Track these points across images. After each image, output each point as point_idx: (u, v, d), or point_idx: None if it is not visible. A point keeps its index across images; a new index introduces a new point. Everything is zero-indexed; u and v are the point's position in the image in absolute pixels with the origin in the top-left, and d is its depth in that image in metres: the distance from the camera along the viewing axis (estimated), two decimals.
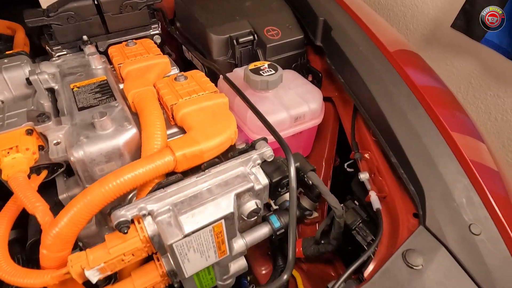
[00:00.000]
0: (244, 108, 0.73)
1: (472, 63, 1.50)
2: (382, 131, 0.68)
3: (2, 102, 0.69)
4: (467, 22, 1.40)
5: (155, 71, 0.73)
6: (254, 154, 0.57)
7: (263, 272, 0.90)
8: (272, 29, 0.92)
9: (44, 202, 0.51)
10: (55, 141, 0.58)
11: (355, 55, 0.78)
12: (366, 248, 0.59)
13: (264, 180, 0.56)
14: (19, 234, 0.68)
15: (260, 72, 0.75)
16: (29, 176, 0.55)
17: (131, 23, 0.90)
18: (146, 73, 0.71)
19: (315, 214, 0.87)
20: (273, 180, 0.57)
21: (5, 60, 0.72)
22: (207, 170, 0.54)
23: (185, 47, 1.04)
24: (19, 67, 0.70)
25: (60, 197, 0.61)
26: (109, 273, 0.49)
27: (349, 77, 0.79)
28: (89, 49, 0.79)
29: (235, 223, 0.54)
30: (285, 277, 0.51)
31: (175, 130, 0.66)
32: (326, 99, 0.92)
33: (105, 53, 0.85)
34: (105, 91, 0.67)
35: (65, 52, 0.83)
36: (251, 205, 0.55)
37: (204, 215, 0.49)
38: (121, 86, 0.72)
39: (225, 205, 0.50)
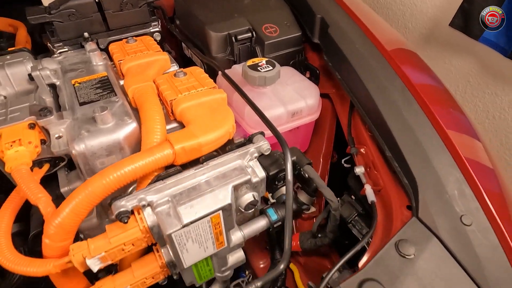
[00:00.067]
0: (242, 104, 0.74)
1: (470, 62, 1.51)
2: (378, 126, 0.69)
3: (5, 97, 0.70)
4: (465, 21, 1.41)
5: (155, 68, 0.74)
6: (251, 148, 0.58)
7: (261, 266, 0.92)
8: (270, 26, 0.93)
9: (47, 193, 0.52)
10: (57, 135, 0.59)
11: (352, 52, 0.79)
12: (365, 245, 0.60)
13: (261, 173, 0.57)
14: (22, 227, 0.69)
15: (258, 68, 0.76)
16: (31, 169, 0.56)
17: (131, 20, 0.92)
18: (146, 69, 0.73)
19: (313, 209, 0.89)
20: (270, 173, 0.58)
21: (8, 57, 0.73)
22: (205, 163, 0.55)
23: (184, 44, 1.05)
24: (21, 63, 0.72)
25: (62, 190, 0.62)
26: (109, 262, 0.50)
27: (345, 73, 0.81)
28: (90, 46, 0.80)
29: (233, 214, 0.55)
30: (281, 266, 0.52)
31: (174, 125, 0.67)
32: (323, 95, 0.93)
33: (105, 50, 0.86)
34: (105, 86, 0.69)
35: (66, 49, 0.85)
36: (248, 197, 0.57)
37: (202, 206, 0.50)
38: (122, 82, 0.73)
39: (222, 197, 0.52)
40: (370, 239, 0.58)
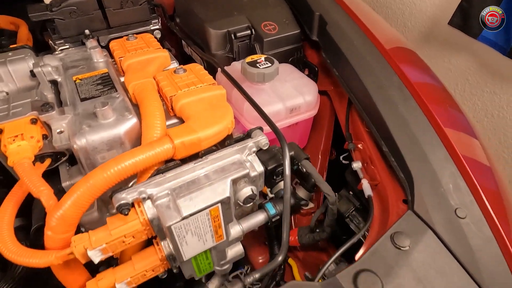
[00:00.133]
0: (241, 100, 0.75)
1: (469, 60, 1.52)
2: (375, 122, 0.70)
3: (7, 93, 0.71)
4: (464, 20, 1.42)
5: (155, 64, 0.75)
6: (249, 142, 0.59)
7: (260, 261, 0.93)
8: (269, 24, 0.94)
9: (49, 186, 0.53)
10: (58, 130, 0.60)
11: (349, 49, 0.80)
12: (361, 238, 0.61)
13: (259, 167, 0.58)
14: (24, 222, 0.70)
15: (257, 65, 0.77)
16: (33, 164, 0.57)
17: (131, 18, 0.93)
18: (146, 66, 0.74)
19: (311, 205, 0.90)
20: (268, 168, 0.59)
21: (10, 53, 0.74)
22: (204, 157, 0.56)
23: (184, 42, 1.06)
24: (23, 60, 0.73)
25: (63, 184, 0.63)
26: (110, 254, 0.51)
27: (343, 70, 0.81)
28: (91, 43, 0.81)
29: (231, 208, 0.56)
30: (280, 258, 0.53)
31: (174, 121, 0.68)
32: (322, 93, 0.94)
33: (106, 48, 0.87)
34: (106, 83, 0.70)
35: (67, 46, 0.86)
36: (247, 191, 0.58)
37: (201, 199, 0.51)
38: (122, 79, 0.74)
39: (221, 190, 0.53)
40: (366, 233, 0.59)
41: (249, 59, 0.79)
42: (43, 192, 0.52)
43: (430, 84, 0.83)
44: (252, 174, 0.57)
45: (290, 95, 0.79)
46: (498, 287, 0.49)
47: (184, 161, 0.57)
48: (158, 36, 0.97)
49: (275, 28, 0.94)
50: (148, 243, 0.60)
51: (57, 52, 0.83)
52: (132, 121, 0.60)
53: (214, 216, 0.53)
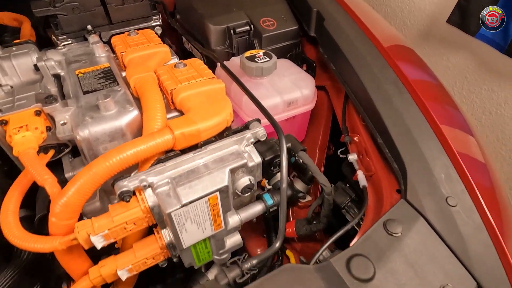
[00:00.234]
0: (240, 94, 0.77)
1: (467, 58, 1.53)
2: (370, 115, 0.71)
3: (11, 87, 0.72)
4: (462, 18, 1.43)
5: (155, 59, 0.77)
6: (247, 134, 0.60)
7: (259, 252, 0.94)
8: (268, 20, 0.96)
9: (53, 175, 0.55)
10: (62, 122, 0.62)
11: (346, 44, 0.82)
12: (356, 228, 0.63)
13: (257, 158, 0.60)
14: (28, 213, 0.72)
15: (255, 59, 0.79)
16: (37, 155, 0.59)
17: (133, 14, 0.94)
18: (147, 61, 0.75)
19: (308, 198, 0.91)
20: (266, 158, 0.61)
21: (14, 48, 0.75)
22: (203, 147, 0.58)
23: (184, 38, 1.08)
24: (27, 54, 0.74)
25: (66, 175, 0.65)
26: (112, 240, 0.53)
27: (340, 65, 0.83)
28: (93, 38, 0.83)
29: (230, 197, 0.58)
30: (277, 244, 0.55)
31: (175, 114, 0.69)
32: (320, 88, 0.96)
33: (108, 43, 0.89)
34: (108, 76, 0.71)
35: (70, 42, 0.87)
36: (244, 181, 0.59)
37: (200, 187, 0.53)
38: (124, 73, 0.76)
39: (220, 179, 0.54)
40: (361, 222, 0.61)
41: (248, 53, 0.81)
42: (48, 181, 0.53)
43: (426, 79, 0.84)
44: (250, 164, 0.58)
45: (287, 89, 0.81)
46: (487, 273, 0.50)
47: (184, 151, 0.59)
48: (159, 32, 0.98)
49: (274, 24, 0.96)
50: (149, 232, 0.61)
51: (60, 47, 0.84)
52: (134, 113, 0.62)
53: (212, 205, 0.55)
